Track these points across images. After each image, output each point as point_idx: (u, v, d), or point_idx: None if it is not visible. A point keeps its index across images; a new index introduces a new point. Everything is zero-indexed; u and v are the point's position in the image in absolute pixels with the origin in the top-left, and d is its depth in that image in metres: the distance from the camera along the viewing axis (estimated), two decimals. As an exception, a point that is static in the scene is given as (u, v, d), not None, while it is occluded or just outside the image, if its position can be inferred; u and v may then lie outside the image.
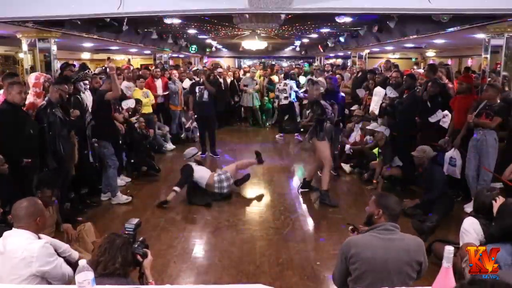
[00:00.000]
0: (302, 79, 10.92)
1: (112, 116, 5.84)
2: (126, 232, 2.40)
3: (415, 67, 12.99)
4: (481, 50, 6.27)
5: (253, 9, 4.24)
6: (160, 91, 8.83)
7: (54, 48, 6.39)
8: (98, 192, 5.64)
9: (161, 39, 10.44)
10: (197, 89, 7.95)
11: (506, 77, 5.95)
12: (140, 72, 9.12)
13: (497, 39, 5.79)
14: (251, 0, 4.08)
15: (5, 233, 2.51)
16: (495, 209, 2.91)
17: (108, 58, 13.16)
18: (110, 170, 5.45)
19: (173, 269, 3.83)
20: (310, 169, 6.17)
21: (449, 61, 13.08)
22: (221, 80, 10.20)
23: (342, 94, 7.41)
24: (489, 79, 5.93)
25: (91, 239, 3.76)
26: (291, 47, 18.53)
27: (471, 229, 2.95)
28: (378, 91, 6.98)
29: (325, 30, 10.60)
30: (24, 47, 6.35)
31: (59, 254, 3.11)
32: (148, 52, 13.39)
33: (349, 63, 13.87)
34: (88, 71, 6.08)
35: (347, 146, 7.22)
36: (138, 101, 7.44)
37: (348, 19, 7.08)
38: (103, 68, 9.40)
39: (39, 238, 2.59)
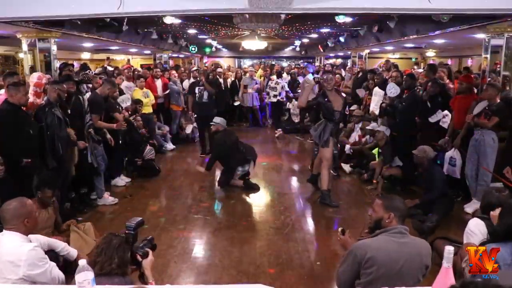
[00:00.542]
0: (302, 79, 11.03)
1: (111, 116, 5.84)
2: (127, 231, 2.37)
3: (415, 67, 13.00)
4: (481, 50, 6.27)
5: (253, 9, 4.24)
6: (160, 92, 8.83)
7: (54, 48, 6.39)
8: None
9: (161, 39, 10.44)
10: (196, 90, 7.96)
11: (507, 77, 5.95)
12: (141, 72, 9.13)
13: (497, 39, 5.79)
14: (251, 0, 4.08)
15: None
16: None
17: (108, 58, 13.18)
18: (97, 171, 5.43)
19: (173, 269, 3.83)
20: (316, 163, 6.11)
21: (449, 61, 13.09)
22: (221, 80, 10.21)
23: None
24: (489, 79, 5.93)
25: (91, 239, 3.78)
26: (291, 47, 18.51)
27: (476, 230, 2.92)
28: (378, 91, 6.98)
29: (325, 30, 10.60)
30: (24, 47, 6.34)
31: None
32: (148, 52, 13.38)
33: (349, 63, 13.86)
34: (89, 71, 6.09)
35: (347, 146, 7.22)
36: (138, 101, 7.44)
37: (348, 19, 7.07)
38: (103, 68, 9.43)
39: (30, 240, 2.56)
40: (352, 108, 8.22)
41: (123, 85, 7.77)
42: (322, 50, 14.65)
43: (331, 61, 19.21)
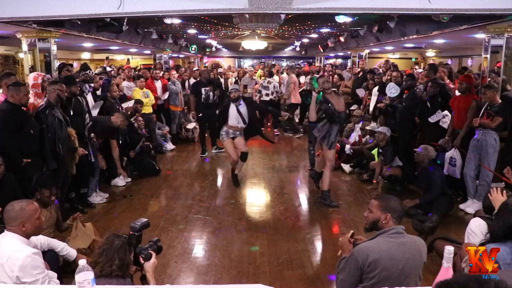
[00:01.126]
0: (302, 79, 11.04)
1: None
2: (131, 232, 2.34)
3: (416, 66, 13.00)
4: (481, 50, 6.27)
5: (253, 9, 4.25)
6: (160, 92, 8.80)
7: (54, 48, 6.38)
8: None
9: (161, 39, 10.44)
10: (203, 91, 7.91)
11: (505, 81, 5.98)
12: (140, 72, 9.11)
13: (497, 39, 5.79)
14: (251, 0, 4.08)
15: None
16: (494, 202, 2.87)
17: (107, 58, 13.17)
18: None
19: (173, 269, 3.83)
20: (318, 161, 6.10)
21: (449, 61, 13.08)
22: (221, 80, 10.21)
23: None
24: (489, 79, 5.93)
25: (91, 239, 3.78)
26: (291, 47, 18.53)
27: (478, 230, 2.90)
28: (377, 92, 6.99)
29: (325, 30, 10.61)
30: (24, 47, 6.34)
31: (57, 254, 3.13)
32: (148, 52, 13.39)
33: (349, 63, 13.87)
34: (89, 71, 6.09)
35: (347, 146, 7.21)
36: (139, 102, 7.44)
37: (348, 19, 7.07)
38: (103, 68, 9.42)
39: (31, 243, 2.53)
40: (352, 108, 8.23)
41: (123, 85, 7.77)
42: (322, 50, 14.65)
43: (331, 61, 19.23)
